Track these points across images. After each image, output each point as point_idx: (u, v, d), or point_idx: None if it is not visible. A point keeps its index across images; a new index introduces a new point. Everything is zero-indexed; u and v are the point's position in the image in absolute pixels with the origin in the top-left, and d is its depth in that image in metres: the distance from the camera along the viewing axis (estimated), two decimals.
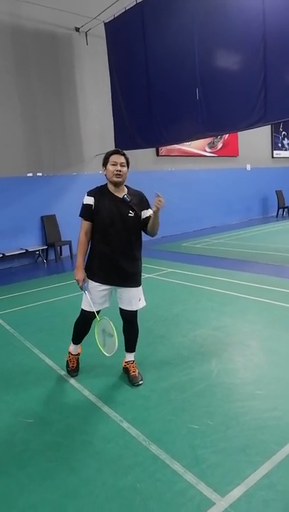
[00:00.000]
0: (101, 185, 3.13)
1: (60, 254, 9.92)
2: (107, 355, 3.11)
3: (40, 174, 9.81)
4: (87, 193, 3.08)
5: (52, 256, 9.86)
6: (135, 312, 3.24)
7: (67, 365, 3.51)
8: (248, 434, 2.50)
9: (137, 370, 3.31)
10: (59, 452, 2.47)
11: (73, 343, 3.45)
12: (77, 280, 3.13)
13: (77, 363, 3.51)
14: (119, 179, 2.98)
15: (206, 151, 13.83)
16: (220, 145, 14.23)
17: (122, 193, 3.03)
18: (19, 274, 8.60)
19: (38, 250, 9.64)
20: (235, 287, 5.95)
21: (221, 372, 3.33)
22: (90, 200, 3.02)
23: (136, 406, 2.92)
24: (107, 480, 2.21)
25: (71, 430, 2.69)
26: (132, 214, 3.01)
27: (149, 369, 3.46)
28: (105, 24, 9.47)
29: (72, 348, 3.47)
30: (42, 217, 9.80)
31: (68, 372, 3.49)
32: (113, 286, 3.16)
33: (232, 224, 14.56)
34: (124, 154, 3.01)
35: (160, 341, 4.10)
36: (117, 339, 2.99)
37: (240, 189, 15.04)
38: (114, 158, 2.97)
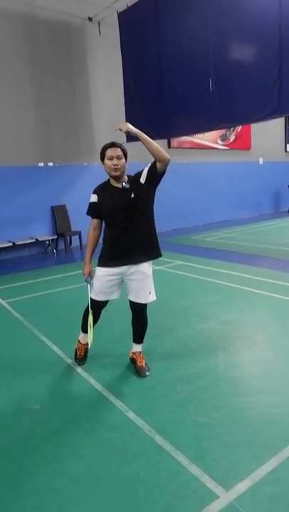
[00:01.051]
0: (104, 181, 3.14)
1: (70, 244, 9.95)
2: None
3: (51, 164, 9.81)
4: (93, 191, 3.15)
5: (61, 246, 9.89)
6: (144, 305, 3.23)
7: (76, 354, 3.53)
8: (254, 428, 2.49)
9: (143, 361, 3.31)
10: (65, 439, 2.50)
11: (82, 332, 3.46)
12: (83, 274, 3.23)
13: (85, 352, 3.52)
14: (118, 173, 2.96)
15: (218, 143, 13.68)
16: (232, 138, 14.06)
17: (120, 183, 3.01)
18: (29, 263, 8.65)
19: (48, 240, 9.68)
20: (244, 281, 5.91)
21: (227, 366, 3.32)
22: (94, 198, 3.10)
23: (142, 396, 2.93)
24: (111, 467, 2.22)
25: (77, 417, 2.71)
26: (133, 196, 2.96)
27: (156, 360, 3.46)
28: (118, 13, 9.34)
29: (81, 337, 3.48)
30: (52, 207, 9.82)
31: (76, 360, 3.51)
32: (120, 274, 3.13)
33: (243, 218, 14.44)
34: (120, 146, 2.96)
35: (168, 333, 4.10)
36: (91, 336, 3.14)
37: (252, 183, 14.87)
38: (110, 152, 2.93)
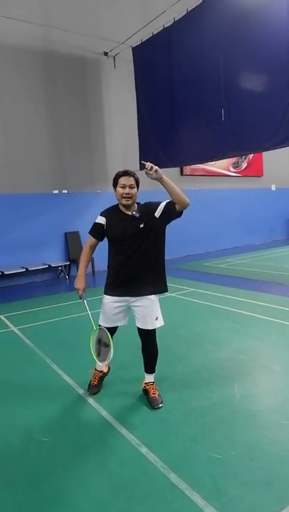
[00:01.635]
0: (113, 205, 3.14)
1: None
2: (100, 363, 3.12)
3: (65, 191, 9.98)
4: (100, 213, 3.14)
5: (74, 272, 9.89)
6: (152, 331, 3.15)
7: (89, 382, 3.45)
8: (273, 466, 2.35)
9: (156, 392, 3.20)
10: (73, 473, 2.39)
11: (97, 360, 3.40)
12: (76, 289, 3.18)
13: (99, 380, 3.45)
14: (128, 202, 2.97)
15: (230, 170, 13.79)
16: (244, 165, 14.17)
17: (130, 211, 3.02)
18: (41, 289, 8.66)
19: (61, 266, 9.72)
20: (258, 309, 5.78)
21: (243, 398, 3.19)
22: (101, 220, 3.09)
23: (154, 429, 2.81)
24: (121, 506, 2.10)
25: (86, 450, 2.60)
26: (142, 226, 2.96)
27: (169, 390, 3.35)
28: (133, 48, 9.71)
29: (97, 365, 3.42)
30: (65, 233, 9.91)
31: (88, 387, 3.42)
32: (125, 302, 3.09)
33: (255, 244, 14.34)
34: (133, 175, 2.99)
35: (180, 361, 3.99)
36: (112, 349, 2.95)
37: (264, 209, 14.86)
38: (123, 180, 2.95)
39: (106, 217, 3.09)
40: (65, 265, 9.75)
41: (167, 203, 2.98)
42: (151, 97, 9.38)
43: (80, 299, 3.20)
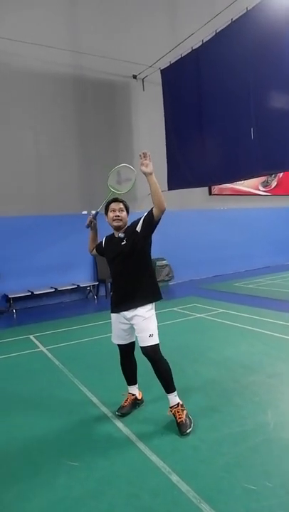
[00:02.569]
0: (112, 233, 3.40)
1: (111, 291, 9.97)
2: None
3: (93, 212, 10.12)
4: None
5: (102, 292, 9.96)
6: (151, 348, 3.11)
7: (122, 403, 3.47)
8: None
9: (183, 416, 3.10)
10: (103, 503, 2.33)
11: (127, 384, 3.53)
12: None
13: (130, 402, 3.43)
14: (119, 223, 3.23)
15: (259, 189, 13.67)
16: (274, 184, 14.02)
17: (119, 233, 3.26)
18: (70, 309, 8.73)
19: (89, 286, 9.80)
20: None
21: (278, 426, 3.05)
22: (102, 240, 3.51)
23: (186, 457, 2.72)
24: None
25: (116, 479, 2.54)
26: (124, 242, 3.19)
27: (200, 416, 3.24)
28: (161, 71, 9.94)
29: (129, 388, 3.53)
30: None
31: (119, 408, 3.41)
32: (126, 318, 3.21)
33: (286, 264, 13.99)
34: (122, 201, 3.29)
35: (211, 386, 3.88)
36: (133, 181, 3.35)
37: None
38: (113, 205, 3.26)
39: (105, 241, 3.45)
40: (93, 285, 9.83)
41: (146, 215, 3.15)
42: (179, 117, 9.52)
43: (92, 216, 3.53)
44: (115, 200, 3.29)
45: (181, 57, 9.18)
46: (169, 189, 9.92)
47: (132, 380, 3.49)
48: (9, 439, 3.15)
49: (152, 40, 10.65)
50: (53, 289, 9.02)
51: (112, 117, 10.51)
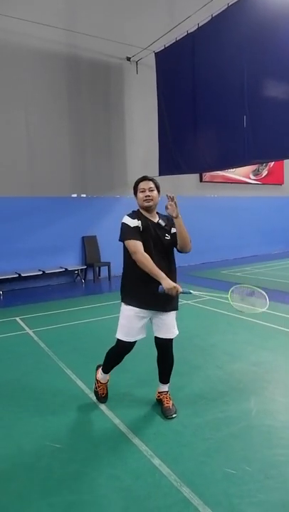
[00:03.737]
0: (135, 210, 3.06)
1: (99, 275, 9.98)
2: (262, 310, 3.01)
3: (84, 195, 10.04)
4: (129, 216, 2.98)
5: (90, 276, 9.93)
6: (171, 340, 3.12)
7: (97, 394, 3.39)
8: None
9: (170, 402, 3.15)
10: (84, 484, 2.35)
11: (103, 372, 3.32)
12: (175, 287, 2.79)
13: (107, 389, 3.41)
14: (150, 203, 2.98)
15: (250, 178, 13.67)
16: (265, 173, 14.02)
17: (155, 218, 3.04)
18: (57, 292, 8.69)
19: (77, 270, 9.75)
20: (275, 319, 5.66)
21: (260, 413, 3.10)
22: (137, 223, 2.92)
23: (168, 441, 2.75)
24: None
25: (99, 461, 2.56)
26: (168, 237, 3.01)
27: (183, 402, 3.28)
28: (156, 54, 9.74)
29: (102, 377, 3.34)
30: (83, 237, 9.95)
31: (98, 399, 3.38)
32: (150, 314, 3.03)
33: (274, 254, 14.12)
34: (152, 179, 3.03)
35: (195, 372, 3.92)
36: (260, 290, 2.94)
37: (284, 218, 14.64)
38: (142, 185, 3.00)
39: (140, 220, 2.94)
40: (81, 269, 9.79)
41: (175, 233, 3.01)
42: (172, 102, 9.38)
43: (186, 293, 2.93)
44: (144, 178, 3.03)
45: (176, 41, 9.00)
46: (159, 174, 9.84)
47: (112, 369, 3.34)
48: None
49: (148, 22, 10.42)
50: (41, 272, 8.95)
51: (105, 100, 10.32)
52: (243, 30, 7.36)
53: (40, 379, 3.92)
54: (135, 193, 3.04)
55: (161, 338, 3.08)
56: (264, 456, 2.55)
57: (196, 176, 12.19)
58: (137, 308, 2.97)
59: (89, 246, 9.94)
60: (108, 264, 9.77)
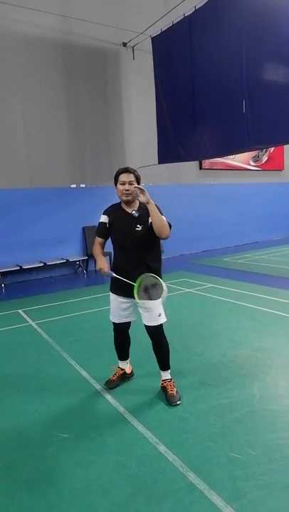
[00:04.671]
0: (116, 203, 3.18)
1: (112, 269, 9.95)
2: (159, 300, 3.02)
3: (83, 185, 9.99)
4: (104, 211, 3.22)
5: (92, 267, 9.93)
6: (158, 328, 3.15)
7: (110, 376, 3.50)
8: None
9: (174, 389, 3.18)
10: (91, 472, 2.38)
11: (118, 359, 3.52)
12: (100, 269, 3.09)
13: (119, 377, 3.47)
14: (128, 198, 3.02)
15: (250, 164, 13.56)
16: (265, 159, 13.91)
17: (132, 208, 3.07)
18: (59, 284, 8.72)
19: (79, 261, 9.76)
20: (278, 306, 5.68)
21: (263, 398, 3.13)
22: (104, 219, 3.17)
23: (173, 428, 2.78)
24: (140, 507, 2.09)
25: (105, 449, 2.60)
26: (139, 228, 3.01)
27: (187, 389, 3.31)
28: (152, 38, 9.58)
29: (119, 362, 3.54)
30: (84, 227, 9.93)
31: (106, 382, 3.44)
32: (129, 300, 3.13)
33: (275, 240, 14.09)
34: (133, 172, 3.03)
35: (199, 359, 3.94)
36: (163, 283, 2.90)
37: (284, 204, 14.58)
38: (122, 177, 3.00)
39: (109, 216, 3.17)
40: (82, 260, 9.79)
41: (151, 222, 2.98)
42: (170, 88, 9.26)
43: (108, 276, 3.13)
44: (126, 170, 3.01)
45: (173, 25, 8.83)
46: (159, 163, 9.78)
47: (123, 355, 3.51)
48: None
49: (144, 5, 10.20)
50: (42, 264, 8.96)
51: (102, 87, 10.19)
52: (241, 11, 7.20)
53: (44, 370, 3.95)
54: (115, 184, 3.06)
55: (146, 325, 3.16)
56: (267, 440, 2.58)
57: (196, 163, 12.10)
58: (114, 295, 3.22)
59: (90, 236, 9.92)
60: (109, 255, 9.73)
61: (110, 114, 10.36)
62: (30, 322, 5.61)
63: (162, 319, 3.13)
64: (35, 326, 5.40)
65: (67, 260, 9.41)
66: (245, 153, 12.64)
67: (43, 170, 9.38)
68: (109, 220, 3.16)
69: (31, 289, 8.30)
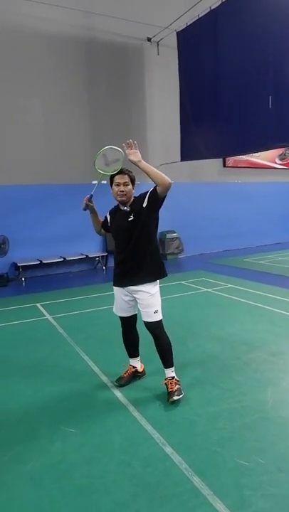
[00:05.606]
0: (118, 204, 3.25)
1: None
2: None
3: (104, 182, 9.97)
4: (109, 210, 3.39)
5: (111, 263, 9.95)
6: (155, 323, 3.14)
7: (121, 373, 3.50)
8: None
9: (175, 387, 3.12)
10: (95, 469, 2.37)
11: (128, 356, 3.52)
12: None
13: (129, 374, 3.46)
14: (123, 199, 3.08)
15: (275, 162, 13.27)
16: None
17: (126, 206, 3.13)
18: (77, 279, 8.78)
19: (98, 257, 9.80)
20: None
21: (276, 404, 3.03)
22: (107, 216, 3.39)
23: (181, 430, 2.74)
24: (141, 509, 2.05)
25: (111, 447, 2.58)
26: (131, 218, 3.06)
27: (198, 391, 3.26)
28: (177, 33, 9.47)
29: (130, 360, 3.53)
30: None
31: (117, 379, 3.44)
32: (126, 292, 3.19)
33: None
34: (128, 173, 3.09)
35: (212, 361, 3.87)
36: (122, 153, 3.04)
37: None
38: (117, 178, 3.07)
39: (110, 215, 3.34)
40: (102, 256, 9.82)
41: (150, 191, 3.01)
42: (194, 84, 9.14)
43: (87, 199, 3.33)
44: (120, 172, 3.08)
45: (199, 19, 8.70)
46: (181, 160, 9.68)
47: (133, 352, 3.50)
48: (10, 404, 3.22)
49: None
50: (62, 259, 9.05)
51: (124, 84, 10.16)
52: (268, 5, 7.02)
53: (58, 364, 3.97)
54: (111, 185, 3.13)
55: (144, 322, 3.17)
56: (278, 449, 2.49)
57: (219, 161, 11.94)
58: (114, 287, 3.29)
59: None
60: (106, 257, 9.76)
61: (132, 110, 10.32)
62: (47, 316, 5.66)
63: (158, 316, 3.15)
64: (52, 320, 5.44)
65: (87, 256, 9.46)
66: (271, 151, 12.38)
67: (65, 166, 9.46)
68: (109, 218, 3.33)
69: (50, 283, 8.38)
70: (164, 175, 2.90)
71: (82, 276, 9.18)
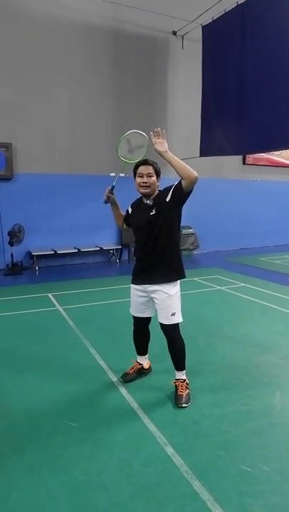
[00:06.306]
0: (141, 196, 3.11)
1: (134, 256, 9.94)
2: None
3: (122, 175, 9.90)
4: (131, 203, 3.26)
5: (125, 256, 9.92)
6: (171, 326, 3.02)
7: (127, 369, 3.45)
8: None
9: (185, 391, 3.05)
10: (95, 466, 2.33)
11: (136, 354, 3.45)
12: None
13: (135, 370, 3.41)
14: (147, 191, 2.95)
15: None
16: None
17: (150, 200, 2.99)
18: (91, 271, 8.77)
19: (113, 249, 9.77)
20: None
21: (284, 410, 2.94)
22: (128, 210, 3.24)
23: (184, 431, 2.68)
24: (137, 510, 2.00)
25: (111, 444, 2.54)
26: (153, 212, 2.94)
27: (205, 391, 3.19)
28: (203, 27, 9.28)
29: (138, 357, 3.46)
30: None
31: (123, 374, 3.39)
32: (144, 290, 3.07)
33: None
34: (152, 164, 2.95)
35: (221, 362, 3.79)
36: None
37: None
38: (140, 169, 2.95)
39: (131, 208, 3.20)
40: (116, 249, 9.79)
41: (175, 186, 2.87)
42: (217, 79, 8.96)
43: (109, 191, 3.24)
44: (144, 163, 2.95)
45: (225, 13, 8.50)
46: (200, 155, 9.52)
47: (142, 350, 3.43)
48: (14, 395, 3.21)
49: None
50: (77, 250, 9.05)
51: (148, 77, 10.04)
52: None
53: (64, 356, 3.96)
54: (134, 176, 3.00)
55: (160, 323, 3.06)
56: (283, 457, 2.41)
57: (239, 158, 11.72)
58: (133, 285, 3.16)
59: None
60: (131, 250, 9.69)
61: (155, 103, 10.20)
62: (58, 307, 5.66)
63: (176, 319, 3.01)
64: (62, 311, 5.44)
65: (101, 248, 9.44)
66: None
67: (85, 157, 9.43)
68: (130, 212, 3.20)
69: (63, 274, 8.40)
70: (190, 168, 2.76)
71: (95, 268, 9.17)
